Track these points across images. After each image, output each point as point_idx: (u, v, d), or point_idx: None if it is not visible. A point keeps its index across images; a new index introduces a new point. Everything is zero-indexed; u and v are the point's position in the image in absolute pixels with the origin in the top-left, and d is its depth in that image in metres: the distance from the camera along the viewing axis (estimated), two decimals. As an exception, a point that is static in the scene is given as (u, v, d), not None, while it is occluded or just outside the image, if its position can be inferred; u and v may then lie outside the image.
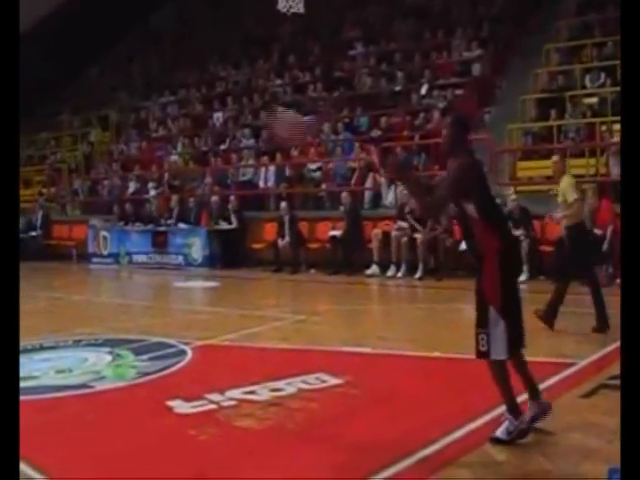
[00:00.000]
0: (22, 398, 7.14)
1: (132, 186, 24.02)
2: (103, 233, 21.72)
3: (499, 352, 5.36)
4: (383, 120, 20.27)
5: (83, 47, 30.18)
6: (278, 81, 25.52)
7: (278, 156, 21.16)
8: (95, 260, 21.61)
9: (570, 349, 8.50)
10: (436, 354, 8.45)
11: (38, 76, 28.47)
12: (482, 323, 5.40)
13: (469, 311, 6.01)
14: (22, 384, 7.67)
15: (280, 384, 7.08)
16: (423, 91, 20.85)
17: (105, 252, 21.50)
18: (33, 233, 24.29)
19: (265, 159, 21.64)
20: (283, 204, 18.30)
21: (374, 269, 16.38)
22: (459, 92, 20.18)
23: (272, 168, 20.99)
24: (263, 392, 6.87)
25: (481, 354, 5.42)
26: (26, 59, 29.20)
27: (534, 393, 5.58)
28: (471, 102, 19.68)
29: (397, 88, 21.82)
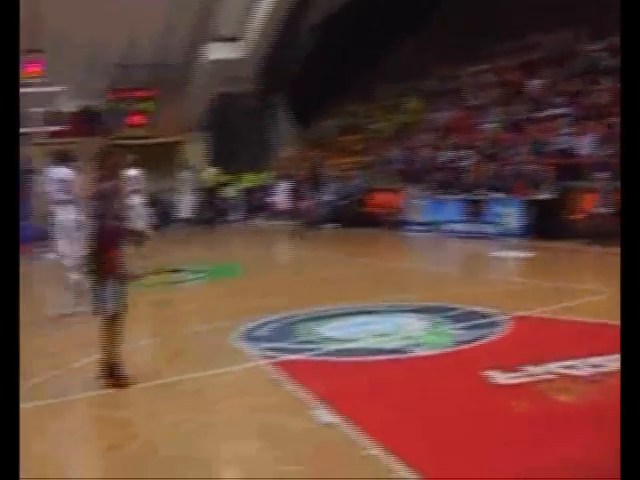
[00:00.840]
0: (344, 359, 7.55)
1: (447, 155, 24.16)
2: (418, 201, 22.07)
3: None
4: None
5: (398, 18, 30.65)
6: (597, 46, 24.44)
7: (596, 124, 20.34)
8: (410, 228, 22.02)
9: None
10: None
11: (354, 48, 29.38)
12: None
13: None
14: (342, 346, 8.07)
15: (600, 360, 6.79)
16: None
17: (420, 220, 21.84)
18: (349, 200, 25.21)
19: (582, 126, 20.88)
20: (603, 174, 17.58)
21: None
22: None
23: (590, 136, 20.21)
24: (583, 367, 6.65)
25: None
26: (342, 32, 30.26)
27: None
28: None
29: None
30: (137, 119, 32.42)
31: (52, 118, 26.72)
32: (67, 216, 11.00)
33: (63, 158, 11.74)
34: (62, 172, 11.30)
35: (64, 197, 11.11)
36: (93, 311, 7.16)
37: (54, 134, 26.22)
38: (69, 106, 27.75)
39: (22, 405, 6.59)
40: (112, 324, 7.08)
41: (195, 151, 32.02)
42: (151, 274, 14.64)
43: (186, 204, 24.36)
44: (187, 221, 24.19)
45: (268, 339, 8.61)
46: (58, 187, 11.19)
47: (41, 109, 26.66)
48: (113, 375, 7.03)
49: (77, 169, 11.40)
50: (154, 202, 29.85)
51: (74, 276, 10.87)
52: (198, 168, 27.36)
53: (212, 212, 29.88)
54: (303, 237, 21.45)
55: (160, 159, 29.31)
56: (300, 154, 31.91)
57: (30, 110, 26.54)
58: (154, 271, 15.00)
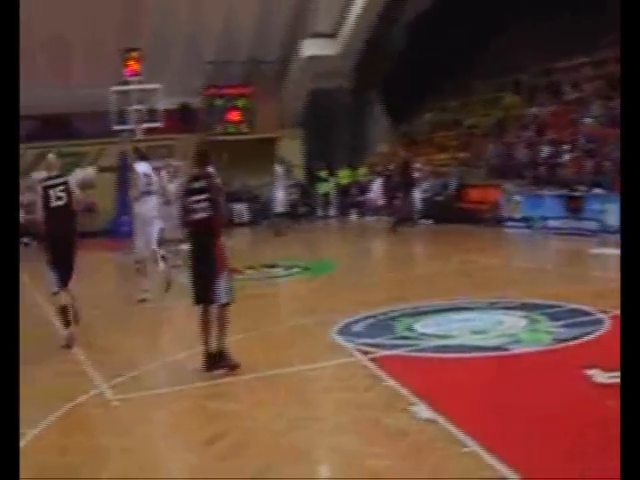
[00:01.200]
0: (441, 355, 7.54)
1: (545, 150, 23.76)
2: (516, 197, 21.76)
3: None
4: None
5: (494, 12, 30.25)
6: None
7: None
8: (508, 224, 21.72)
9: None
10: None
11: (450, 43, 29.13)
12: None
13: None
14: (440, 342, 8.04)
15: None
16: None
17: (518, 216, 21.52)
18: (444, 196, 25.10)
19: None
20: None
21: None
22: None
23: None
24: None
25: None
26: (437, 27, 30.04)
27: None
28: None
29: None
30: (234, 115, 32.71)
31: (150, 116, 27.16)
32: (146, 207, 11.64)
33: (142, 155, 12.97)
34: (144, 166, 12.15)
35: (146, 189, 11.90)
36: (199, 303, 7.35)
37: (153, 131, 26.69)
38: (166, 103, 28.15)
39: (125, 395, 6.82)
40: (221, 315, 7.26)
41: (292, 147, 32.18)
42: (248, 268, 14.84)
43: (282, 200, 24.52)
44: (283, 216, 24.36)
45: (365, 335, 8.63)
46: (144, 180, 11.84)
47: (140, 107, 27.15)
48: (217, 366, 7.18)
49: (157, 164, 12.37)
50: (251, 198, 30.28)
51: (142, 268, 11.55)
52: (292, 164, 27.52)
53: (307, 208, 30.08)
54: (397, 233, 21.39)
55: (257, 155, 29.59)
56: (393, 150, 31.77)
57: (129, 108, 27.09)
58: (250, 266, 15.19)
